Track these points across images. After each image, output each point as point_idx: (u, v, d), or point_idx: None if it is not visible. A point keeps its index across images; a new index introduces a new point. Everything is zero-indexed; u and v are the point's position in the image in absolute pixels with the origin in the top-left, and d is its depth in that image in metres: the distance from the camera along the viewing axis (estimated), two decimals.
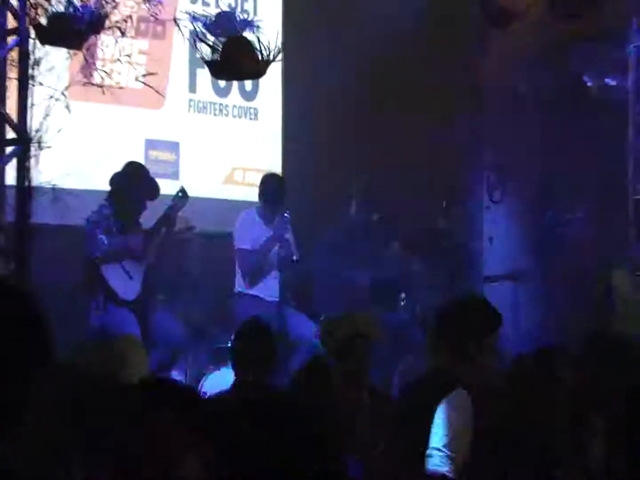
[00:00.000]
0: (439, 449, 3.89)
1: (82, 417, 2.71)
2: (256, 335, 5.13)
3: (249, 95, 9.41)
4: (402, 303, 8.16)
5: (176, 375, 7.04)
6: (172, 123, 8.93)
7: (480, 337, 4.27)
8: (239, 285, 7.78)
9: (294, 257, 7.66)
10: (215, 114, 9.25)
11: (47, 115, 6.09)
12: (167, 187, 7.59)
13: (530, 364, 4.50)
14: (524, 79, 8.47)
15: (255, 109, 9.47)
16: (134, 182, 7.16)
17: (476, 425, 3.89)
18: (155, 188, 7.31)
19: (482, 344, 4.26)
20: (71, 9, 5.94)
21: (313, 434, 2.24)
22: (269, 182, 8.04)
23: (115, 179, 7.17)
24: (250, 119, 9.46)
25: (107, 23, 6.10)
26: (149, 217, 7.33)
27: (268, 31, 6.20)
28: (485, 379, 4.49)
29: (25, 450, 2.12)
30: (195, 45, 6.17)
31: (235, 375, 5.14)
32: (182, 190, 7.43)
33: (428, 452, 3.92)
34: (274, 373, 5.02)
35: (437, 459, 3.89)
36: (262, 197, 7.95)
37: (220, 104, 9.26)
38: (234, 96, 9.30)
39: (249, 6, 9.33)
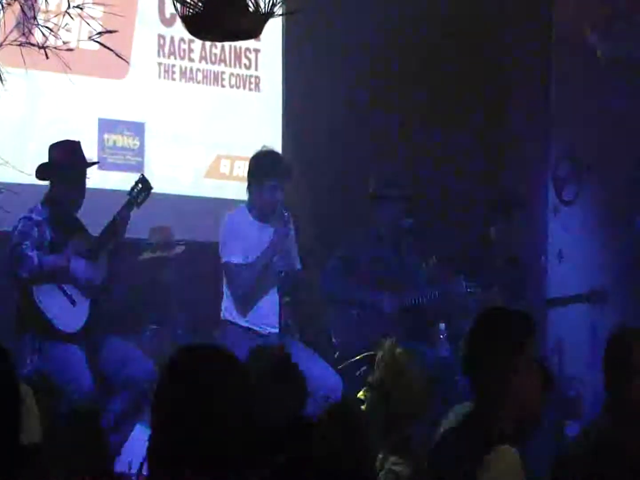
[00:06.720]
0: None
1: None
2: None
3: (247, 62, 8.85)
4: (441, 336, 7.69)
5: (142, 428, 6.21)
6: (136, 97, 8.20)
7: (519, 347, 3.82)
8: (227, 311, 6.92)
9: (297, 267, 6.99)
10: (199, 83, 8.55)
11: None
12: (128, 184, 6.79)
13: None
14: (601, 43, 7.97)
15: (257, 77, 8.88)
16: (59, 159, 6.51)
17: None
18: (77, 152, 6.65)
19: (524, 358, 3.80)
20: None
21: None
22: (262, 158, 7.19)
23: (40, 169, 6.54)
24: (251, 89, 8.91)
25: None
26: None
27: None
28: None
29: None
30: None
31: None
32: (142, 180, 6.75)
33: None
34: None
35: None
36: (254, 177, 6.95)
37: (210, 71, 8.63)
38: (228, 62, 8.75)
39: None
